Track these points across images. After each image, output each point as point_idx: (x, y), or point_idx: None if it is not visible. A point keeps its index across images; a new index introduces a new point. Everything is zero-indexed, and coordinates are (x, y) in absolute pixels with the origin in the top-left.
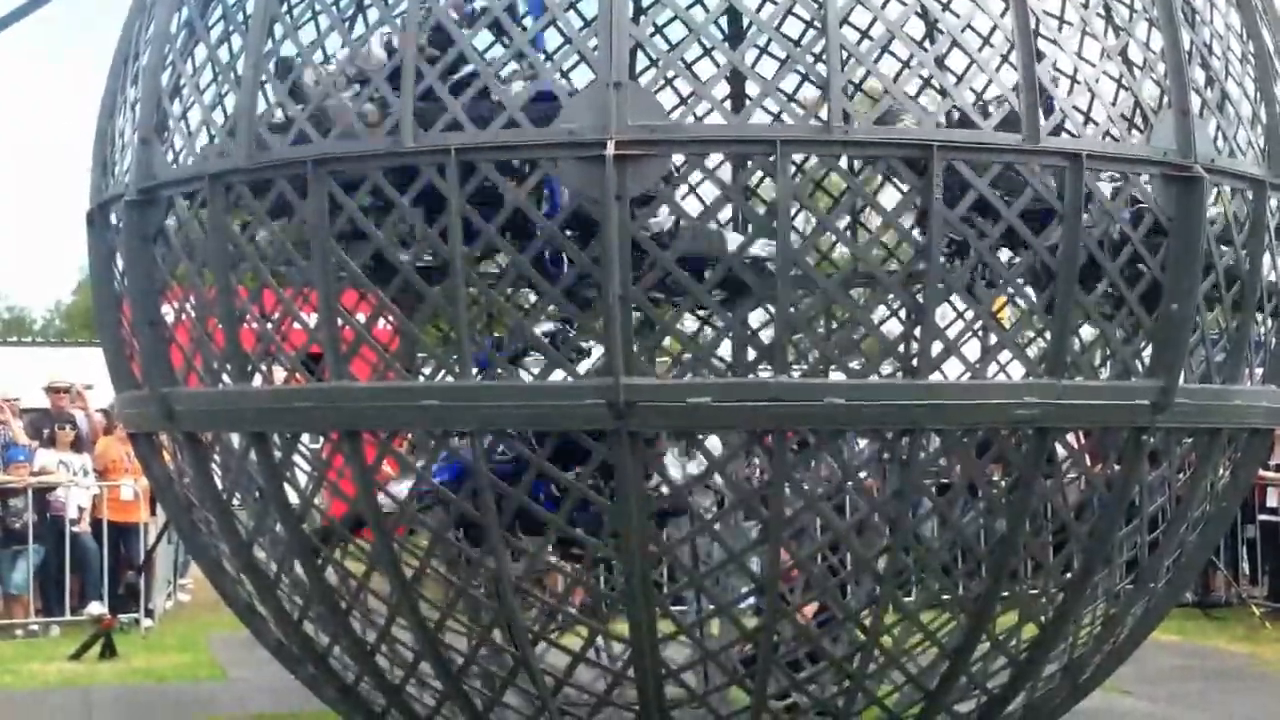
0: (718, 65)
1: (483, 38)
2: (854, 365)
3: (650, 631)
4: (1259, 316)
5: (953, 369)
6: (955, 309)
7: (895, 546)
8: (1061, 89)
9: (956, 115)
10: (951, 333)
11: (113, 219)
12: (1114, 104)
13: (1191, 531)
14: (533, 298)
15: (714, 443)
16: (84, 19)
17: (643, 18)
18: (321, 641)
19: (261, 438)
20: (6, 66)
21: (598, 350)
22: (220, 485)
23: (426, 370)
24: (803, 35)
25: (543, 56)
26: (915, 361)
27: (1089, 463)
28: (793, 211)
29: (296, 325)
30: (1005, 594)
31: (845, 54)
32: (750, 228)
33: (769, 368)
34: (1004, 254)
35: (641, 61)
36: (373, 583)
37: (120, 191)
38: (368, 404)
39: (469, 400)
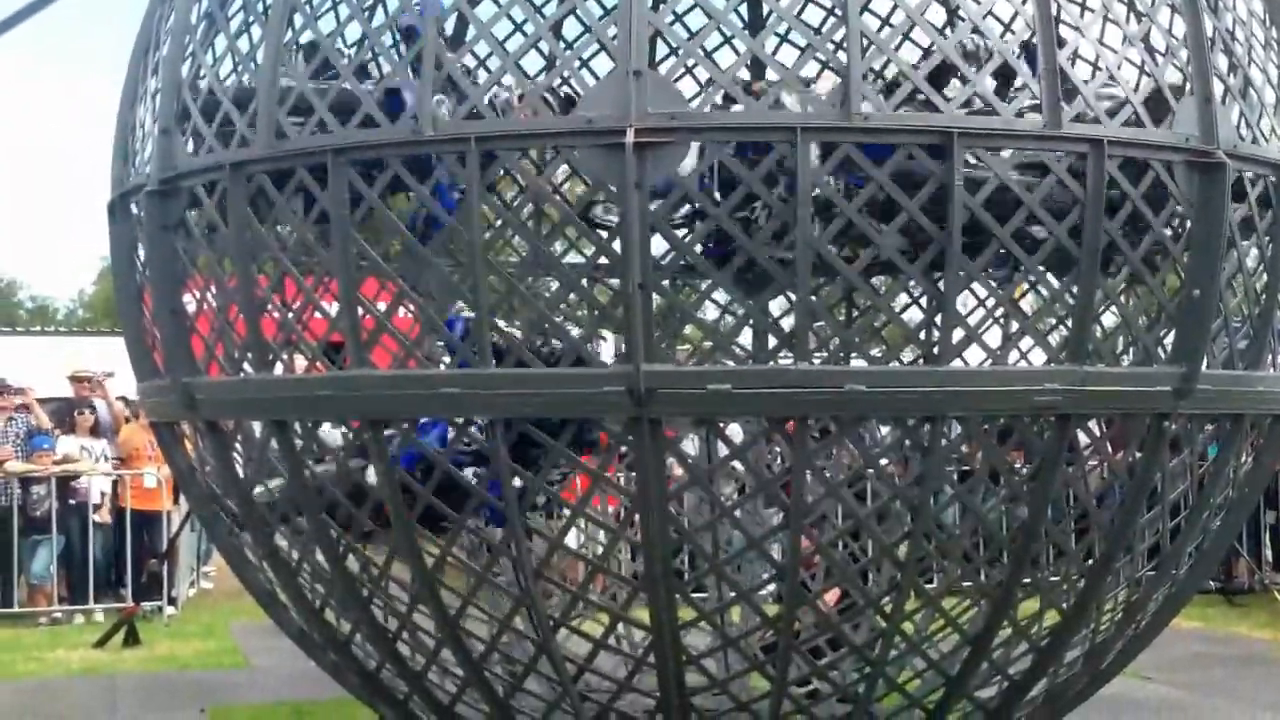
0: (737, 53)
1: None
2: (875, 352)
3: (671, 618)
4: None
5: (974, 356)
6: (976, 296)
7: (916, 533)
8: (1083, 75)
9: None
10: (973, 320)
11: (134, 209)
12: (1136, 90)
13: (1214, 518)
14: (554, 286)
15: (735, 430)
16: (109, 12)
17: (662, 5)
18: (343, 629)
19: (282, 426)
20: (28, 61)
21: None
22: (242, 473)
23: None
24: (823, 23)
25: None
26: (936, 348)
27: (1110, 450)
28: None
29: (317, 314)
30: (1027, 580)
31: (866, 41)
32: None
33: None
34: None
35: (661, 49)
36: (394, 570)
37: (141, 182)
38: (388, 392)
39: (489, 388)
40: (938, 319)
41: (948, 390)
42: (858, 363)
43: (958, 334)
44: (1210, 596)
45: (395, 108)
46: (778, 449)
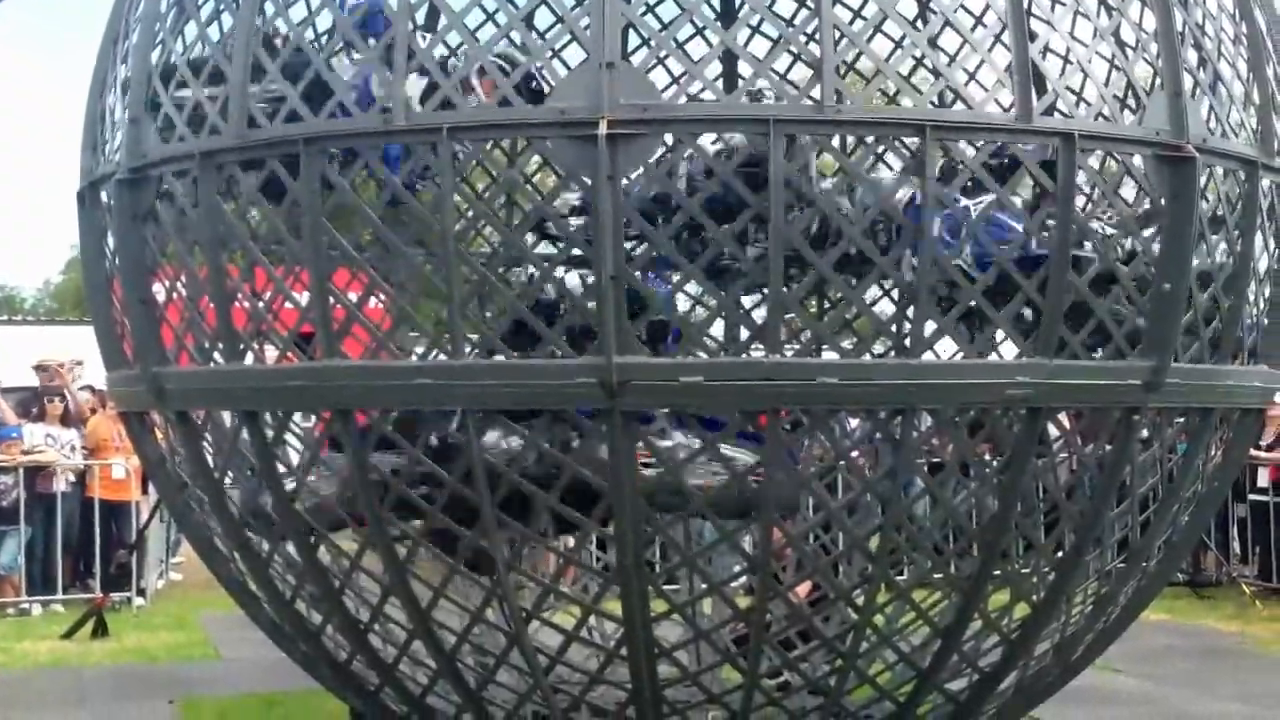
0: (710, 45)
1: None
2: (846, 345)
3: (643, 610)
4: (1250, 296)
5: (945, 348)
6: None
7: (887, 525)
8: (1054, 69)
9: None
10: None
11: (104, 198)
12: (1107, 84)
13: (1183, 511)
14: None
15: None
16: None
17: None
18: (314, 620)
19: (253, 416)
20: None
21: None
22: (212, 464)
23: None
24: (795, 15)
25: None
26: (908, 341)
27: (1080, 442)
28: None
29: (288, 304)
30: (997, 573)
31: (838, 33)
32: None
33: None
34: None
35: (633, 41)
36: (365, 562)
37: (111, 170)
38: (360, 382)
39: (461, 379)
40: (909, 311)
41: (919, 383)
42: (829, 355)
43: (929, 326)
44: (1178, 589)
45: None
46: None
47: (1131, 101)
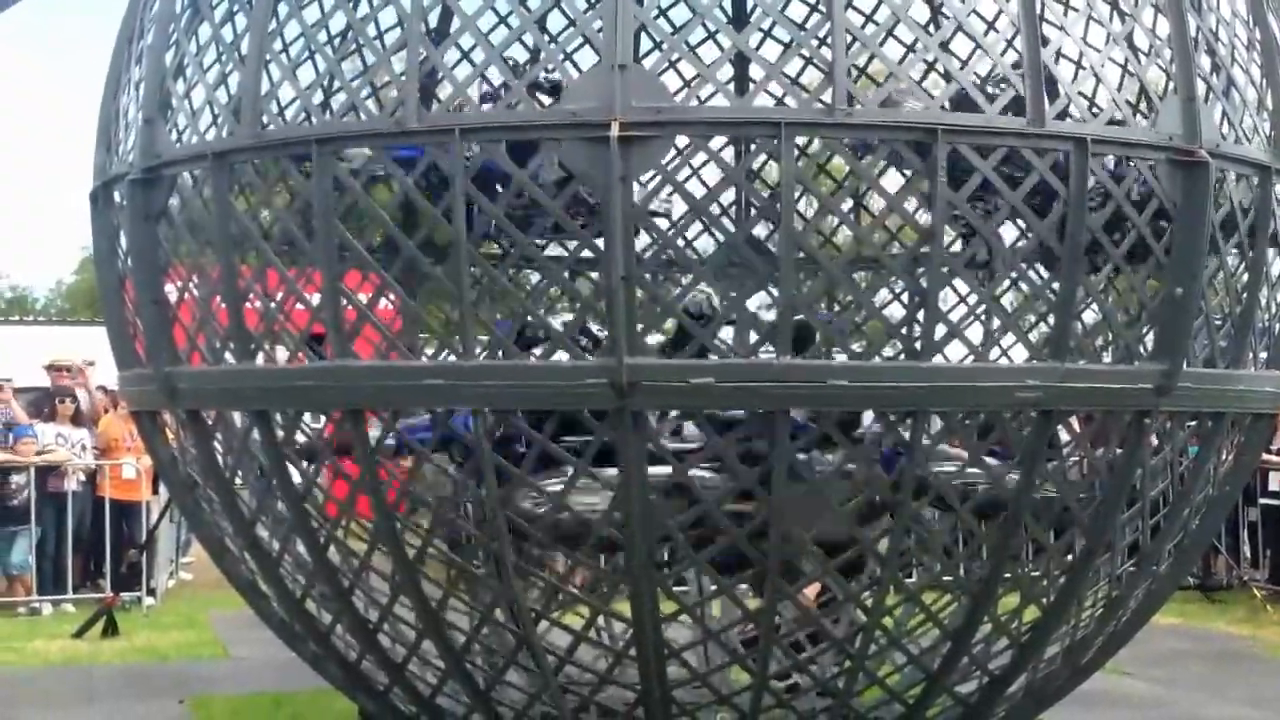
0: (722, 48)
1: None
2: (856, 347)
3: (652, 611)
4: (1262, 301)
5: (956, 352)
6: (958, 292)
7: (897, 528)
8: (1066, 73)
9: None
10: (955, 315)
11: (117, 198)
12: (1119, 89)
13: (1194, 515)
14: (535, 279)
15: None
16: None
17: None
18: (324, 620)
19: (264, 416)
20: (9, 47)
21: None
22: (223, 464)
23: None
24: (807, 18)
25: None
26: (918, 344)
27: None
28: (796, 194)
29: (300, 305)
30: (1007, 575)
31: (850, 37)
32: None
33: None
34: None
35: (645, 44)
36: (375, 562)
37: (124, 170)
38: (370, 383)
39: (472, 380)
40: (920, 314)
41: (930, 385)
42: (840, 357)
43: (940, 329)
44: (1189, 593)
45: None
46: None
47: (1144, 106)
